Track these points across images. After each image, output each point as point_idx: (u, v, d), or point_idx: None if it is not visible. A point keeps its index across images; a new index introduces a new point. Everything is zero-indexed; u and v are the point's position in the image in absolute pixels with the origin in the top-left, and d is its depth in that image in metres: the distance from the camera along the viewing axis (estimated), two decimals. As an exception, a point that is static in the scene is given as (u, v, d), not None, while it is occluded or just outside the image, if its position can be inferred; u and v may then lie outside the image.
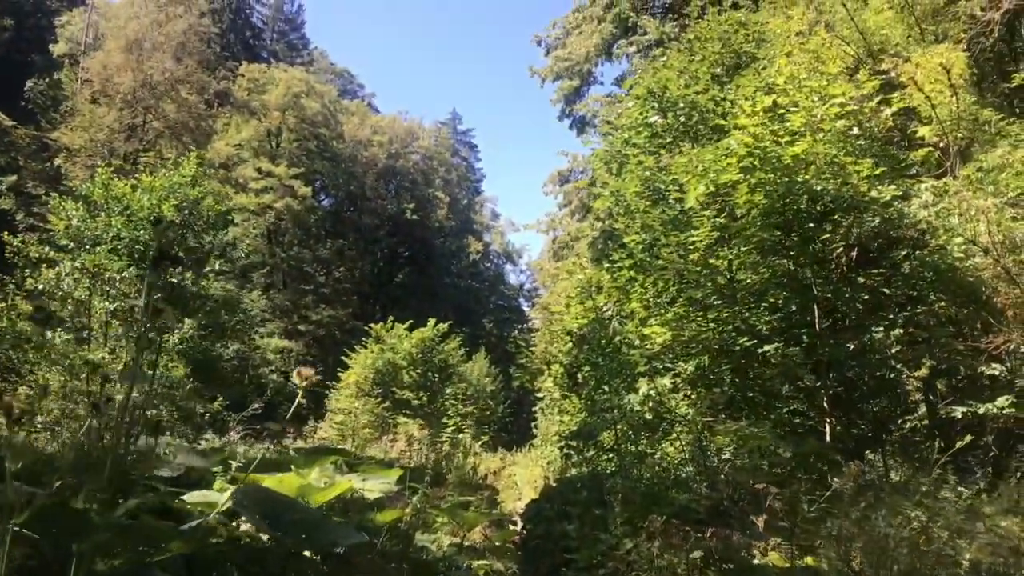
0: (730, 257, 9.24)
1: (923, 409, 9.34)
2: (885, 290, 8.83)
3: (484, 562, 4.49)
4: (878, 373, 8.95)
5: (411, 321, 25.82)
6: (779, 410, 9.19)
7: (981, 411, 8.22)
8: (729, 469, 8.76)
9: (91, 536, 2.36)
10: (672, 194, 10.57)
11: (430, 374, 25.07)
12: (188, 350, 14.80)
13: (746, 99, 9.03)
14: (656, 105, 11.73)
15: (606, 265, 11.21)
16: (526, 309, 67.07)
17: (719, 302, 9.47)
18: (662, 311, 9.98)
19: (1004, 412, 7.98)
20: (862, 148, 8.59)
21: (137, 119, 39.01)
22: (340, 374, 25.11)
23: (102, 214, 13.43)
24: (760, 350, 8.57)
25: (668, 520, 5.40)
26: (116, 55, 38.18)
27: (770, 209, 8.49)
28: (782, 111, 8.59)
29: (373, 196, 57.58)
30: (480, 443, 20.31)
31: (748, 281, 9.29)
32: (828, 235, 8.32)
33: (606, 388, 10.33)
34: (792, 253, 8.79)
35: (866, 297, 8.66)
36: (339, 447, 15.71)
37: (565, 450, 11.06)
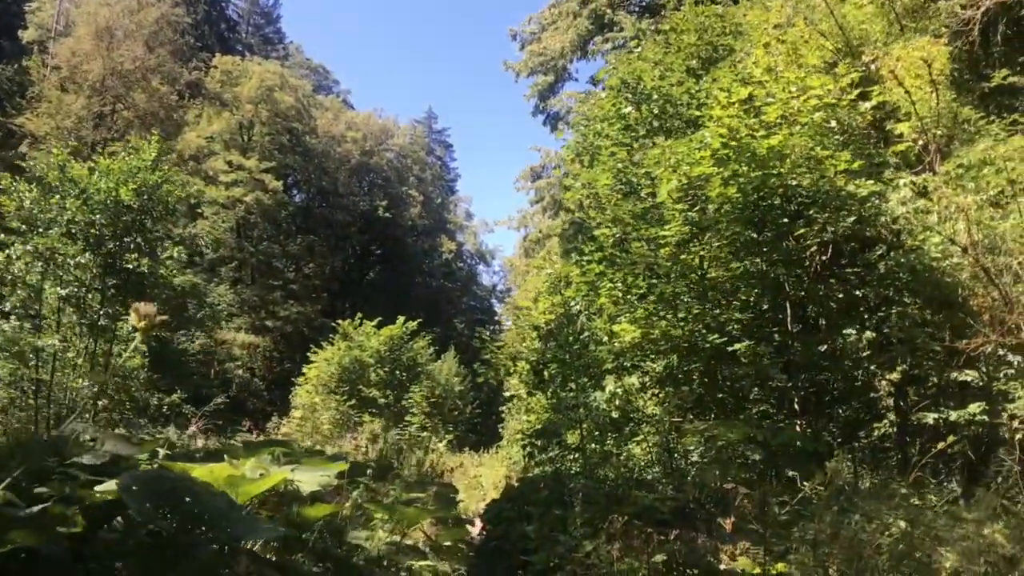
0: (701, 253, 8.98)
1: (893, 415, 9.15)
2: (859, 291, 8.62)
3: (427, 563, 4.15)
4: (850, 376, 8.74)
5: (380, 319, 25.43)
6: (748, 411, 8.96)
7: (953, 418, 8.06)
8: (696, 470, 8.50)
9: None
10: (644, 188, 10.30)
11: (398, 372, 24.72)
12: (143, 339, 14.29)
13: (722, 91, 8.76)
14: (630, 96, 11.46)
15: (575, 258, 10.92)
16: (499, 310, 66.78)
17: (689, 299, 9.22)
18: (631, 308, 9.70)
19: (976, 419, 7.83)
20: (840, 142, 8.36)
21: (106, 107, 38.20)
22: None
23: (56, 196, 12.92)
24: (731, 348, 8.31)
25: (629, 521, 5.09)
26: (86, 41, 37.34)
27: (743, 203, 8.23)
28: (759, 103, 8.34)
29: (345, 192, 56.96)
30: (442, 441, 19.94)
31: (719, 277, 9.04)
32: (803, 231, 8.07)
33: (572, 385, 10.08)
34: (765, 250, 8.55)
35: (840, 296, 8.44)
36: (284, 440, 15.30)
37: (528, 449, 10.77)
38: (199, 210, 42.87)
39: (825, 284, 8.60)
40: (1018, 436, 6.70)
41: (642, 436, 9.54)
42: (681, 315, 9.11)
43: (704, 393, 9.17)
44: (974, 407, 7.82)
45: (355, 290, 55.11)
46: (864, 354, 8.51)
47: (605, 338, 10.01)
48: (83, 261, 12.73)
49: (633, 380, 9.88)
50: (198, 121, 45.37)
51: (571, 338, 10.21)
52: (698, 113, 9.64)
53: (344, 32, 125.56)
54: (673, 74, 11.80)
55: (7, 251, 12.42)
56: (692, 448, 9.09)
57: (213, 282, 41.88)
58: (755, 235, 8.50)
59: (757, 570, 4.62)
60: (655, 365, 9.63)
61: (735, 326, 8.89)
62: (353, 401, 21.27)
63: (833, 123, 8.27)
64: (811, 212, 8.15)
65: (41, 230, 12.80)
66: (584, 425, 9.75)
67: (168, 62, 40.90)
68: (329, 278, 53.94)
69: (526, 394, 12.77)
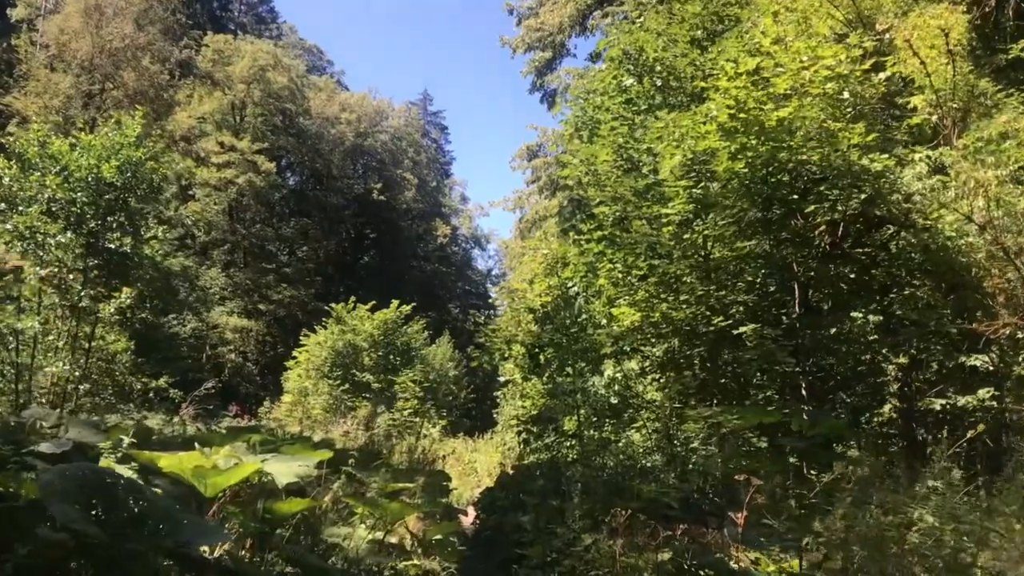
0: (705, 232, 8.60)
1: (896, 401, 8.84)
2: (872, 271, 8.27)
3: (413, 563, 3.78)
4: (858, 359, 8.41)
5: (374, 302, 25.06)
6: (753, 397, 8.62)
7: (961, 403, 7.76)
8: (698, 458, 8.18)
9: None
10: (646, 164, 9.90)
11: (391, 357, 24.37)
12: (127, 320, 13.93)
13: (729, 62, 8.36)
14: (631, 68, 11.04)
15: (574, 237, 10.53)
16: (494, 295, 66.35)
17: (692, 280, 8.85)
18: (632, 290, 9.32)
19: (985, 404, 7.53)
20: (852, 114, 7.97)
21: (95, 87, 37.57)
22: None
23: (36, 173, 12.48)
24: (735, 331, 7.94)
25: (633, 515, 4.73)
26: (74, 19, 36.69)
27: (751, 178, 7.85)
28: (767, 75, 7.94)
29: (339, 175, 56.36)
30: (436, 426, 19.59)
31: (724, 257, 8.67)
32: (813, 208, 7.68)
33: (569, 370, 9.75)
34: (773, 228, 8.18)
35: (852, 276, 8.09)
36: (269, 426, 14.95)
37: (523, 435, 10.43)
38: (191, 192, 42.34)
39: (834, 264, 8.25)
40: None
41: (642, 422, 9.22)
42: (683, 297, 8.74)
43: (707, 378, 8.83)
44: (983, 392, 7.53)
45: (349, 274, 54.65)
46: (871, 338, 8.17)
47: (604, 321, 9.66)
48: (64, 240, 12.33)
49: (633, 364, 9.56)
50: (189, 101, 44.63)
51: (568, 321, 9.87)
52: (704, 84, 9.21)
53: (338, 10, 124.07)
54: (677, 45, 11.35)
55: (-16, 230, 12.04)
56: (694, 435, 8.76)
57: (205, 265, 41.39)
58: (762, 213, 8.13)
59: (772, 568, 4.27)
60: (656, 349, 9.29)
61: (739, 308, 8.54)
62: (346, 386, 20.93)
63: (846, 94, 7.87)
64: (821, 188, 7.77)
65: (21, 209, 12.38)
66: (582, 411, 9.44)
67: (158, 40, 40.22)
68: (323, 262, 53.42)
69: (521, 379, 12.41)
